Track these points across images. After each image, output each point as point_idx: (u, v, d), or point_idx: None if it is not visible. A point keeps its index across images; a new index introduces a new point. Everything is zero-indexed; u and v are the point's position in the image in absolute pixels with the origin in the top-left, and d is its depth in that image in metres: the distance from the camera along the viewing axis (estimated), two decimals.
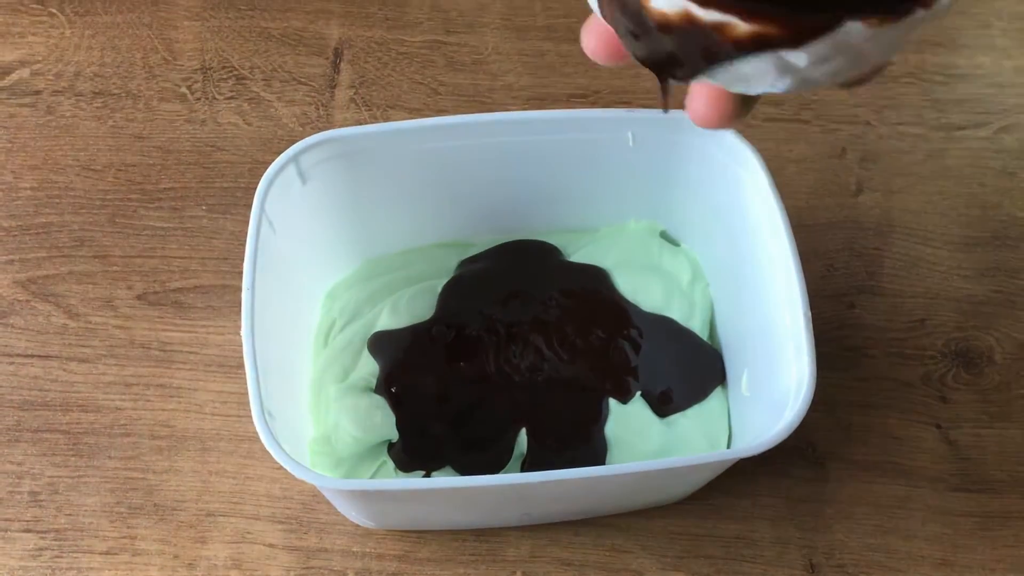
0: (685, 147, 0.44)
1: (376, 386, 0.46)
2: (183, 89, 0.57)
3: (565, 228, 0.50)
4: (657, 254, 0.49)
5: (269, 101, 0.57)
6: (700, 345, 0.47)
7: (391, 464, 0.45)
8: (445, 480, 0.42)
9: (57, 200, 0.53)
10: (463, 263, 0.50)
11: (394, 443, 0.46)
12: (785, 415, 0.37)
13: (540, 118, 0.44)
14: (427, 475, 0.45)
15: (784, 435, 0.36)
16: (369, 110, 0.57)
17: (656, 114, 0.44)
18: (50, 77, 0.57)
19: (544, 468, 0.41)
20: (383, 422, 0.45)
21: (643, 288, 0.48)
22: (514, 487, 0.37)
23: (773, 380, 0.41)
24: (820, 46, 0.20)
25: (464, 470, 0.45)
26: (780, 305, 0.40)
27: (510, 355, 0.47)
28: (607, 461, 0.46)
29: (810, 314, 0.38)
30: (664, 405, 0.46)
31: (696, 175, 0.45)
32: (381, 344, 0.47)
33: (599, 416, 0.46)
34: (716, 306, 0.48)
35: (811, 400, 0.37)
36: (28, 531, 0.45)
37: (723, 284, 0.47)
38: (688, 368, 0.47)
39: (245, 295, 0.38)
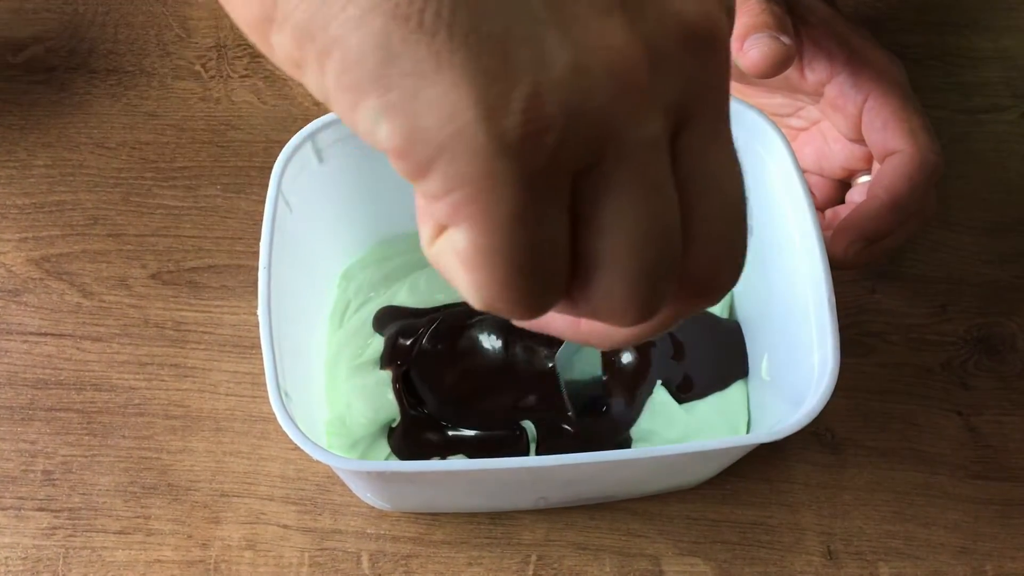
0: None
1: (381, 362, 0.46)
2: (197, 67, 0.57)
3: None
4: None
5: (284, 80, 0.56)
6: (723, 333, 0.47)
7: None
8: (462, 462, 0.41)
9: (71, 178, 0.53)
10: None
11: (394, 427, 0.45)
12: (808, 401, 0.36)
13: None
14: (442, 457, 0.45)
15: (807, 421, 0.36)
16: None
17: None
18: (63, 54, 0.57)
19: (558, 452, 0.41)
20: (394, 400, 0.45)
21: None
22: (532, 470, 0.36)
23: (794, 365, 0.40)
24: None
25: (473, 454, 0.45)
26: (803, 289, 0.39)
27: (525, 340, 0.47)
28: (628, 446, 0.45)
29: (835, 299, 0.38)
30: (684, 392, 0.46)
31: None
32: (386, 320, 0.47)
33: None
34: (736, 290, 0.48)
35: (835, 386, 0.36)
36: (42, 510, 0.45)
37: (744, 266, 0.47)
38: (710, 356, 0.46)
39: (261, 274, 0.38)
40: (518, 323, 0.21)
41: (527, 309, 0.20)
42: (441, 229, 0.19)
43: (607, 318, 0.21)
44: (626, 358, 0.46)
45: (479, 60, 0.17)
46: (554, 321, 0.24)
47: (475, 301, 0.20)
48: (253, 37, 0.20)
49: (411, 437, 0.45)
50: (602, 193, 0.19)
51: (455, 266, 0.19)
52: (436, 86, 0.17)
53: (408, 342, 0.46)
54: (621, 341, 0.23)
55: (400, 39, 0.17)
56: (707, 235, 0.21)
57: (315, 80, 0.19)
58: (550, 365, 0.46)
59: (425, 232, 0.20)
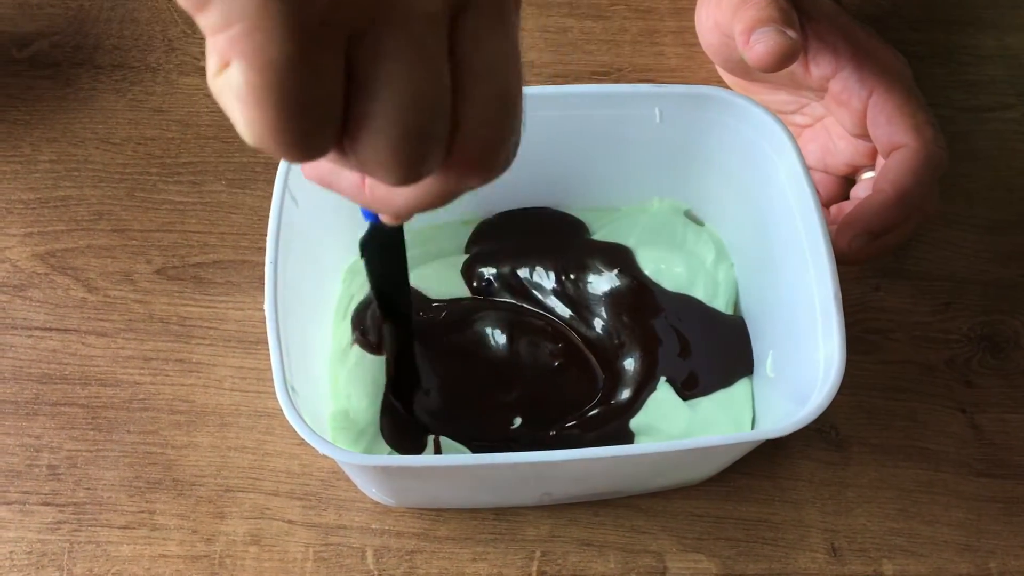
0: (713, 125, 0.44)
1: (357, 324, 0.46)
2: (202, 63, 0.56)
3: (588, 206, 0.50)
4: (681, 233, 0.49)
5: None
6: (728, 329, 0.47)
7: None
8: (467, 457, 0.41)
9: (76, 173, 0.53)
10: (486, 225, 0.49)
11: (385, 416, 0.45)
12: (813, 397, 0.36)
13: (566, 93, 0.43)
14: (437, 451, 0.45)
15: (811, 418, 0.36)
16: None
17: (685, 90, 0.44)
18: (69, 49, 0.57)
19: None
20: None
21: (667, 267, 0.48)
22: (537, 465, 0.36)
23: (799, 362, 0.40)
24: None
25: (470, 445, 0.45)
26: (808, 286, 0.39)
27: (529, 335, 0.47)
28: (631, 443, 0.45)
29: (841, 296, 0.38)
30: (689, 389, 0.46)
31: (723, 154, 0.45)
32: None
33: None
34: (740, 287, 0.48)
35: (840, 383, 0.36)
36: (47, 504, 0.45)
37: (748, 265, 0.47)
38: (715, 352, 0.46)
39: (268, 269, 0.38)
40: (303, 172, 0.24)
41: (295, 150, 0.21)
42: (224, 65, 0.20)
43: (374, 171, 0.23)
44: (630, 360, 0.46)
45: None
46: (342, 179, 0.26)
47: (247, 137, 0.21)
48: None
49: (396, 423, 0.45)
50: (374, 56, 0.21)
51: (231, 101, 0.20)
52: None
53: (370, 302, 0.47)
54: (402, 206, 0.25)
55: None
56: (475, 116, 0.23)
57: None
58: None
59: (210, 66, 0.21)
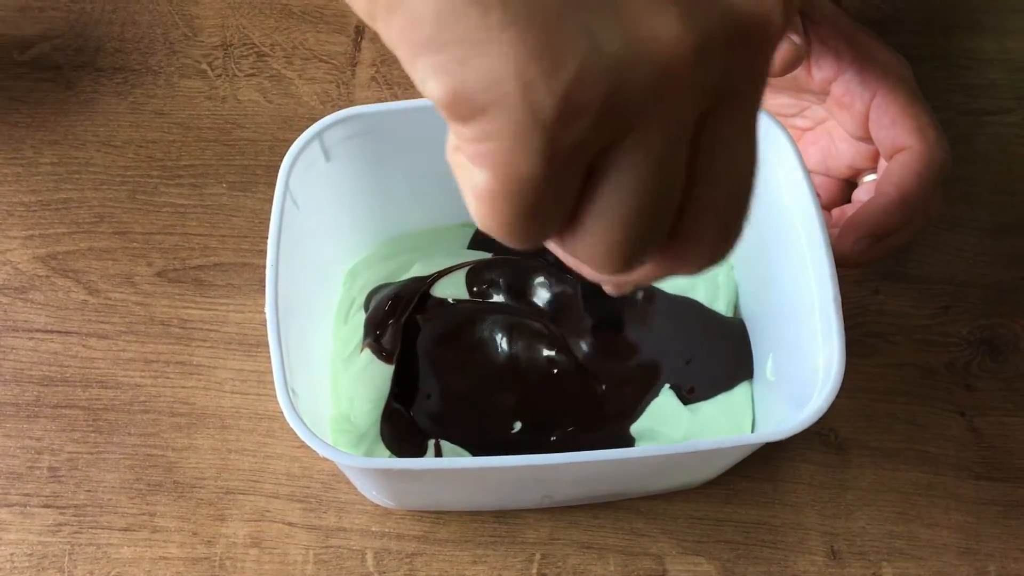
0: None
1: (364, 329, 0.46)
2: (203, 66, 0.57)
3: None
4: None
5: (290, 79, 0.56)
6: (728, 333, 0.47)
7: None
8: (467, 460, 0.41)
9: (77, 176, 0.53)
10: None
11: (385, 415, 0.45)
12: (813, 400, 0.36)
13: None
14: (438, 454, 0.45)
15: (811, 421, 0.36)
16: (390, 89, 0.56)
17: None
18: (70, 52, 0.57)
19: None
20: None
21: None
22: (537, 468, 0.36)
23: (799, 365, 0.40)
24: None
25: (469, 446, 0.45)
26: (808, 289, 0.39)
27: (529, 340, 0.47)
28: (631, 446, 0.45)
29: (840, 299, 0.38)
30: (689, 393, 0.46)
31: None
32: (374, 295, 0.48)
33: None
34: (740, 290, 0.48)
35: (840, 386, 0.36)
36: (47, 506, 0.45)
37: (748, 267, 0.47)
38: (716, 356, 0.46)
39: (269, 272, 0.38)
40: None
41: (519, 244, 0.22)
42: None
43: (585, 263, 0.23)
44: (631, 365, 0.46)
45: (527, 38, 0.19)
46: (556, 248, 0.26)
47: (476, 222, 0.21)
48: None
49: (396, 425, 0.45)
50: (612, 168, 0.21)
51: (467, 189, 0.21)
52: (484, 56, 0.19)
53: (391, 309, 0.47)
54: (606, 283, 0.26)
55: (456, 9, 0.19)
56: (702, 218, 0.22)
57: (383, 31, 0.20)
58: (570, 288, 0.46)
59: (450, 143, 0.21)
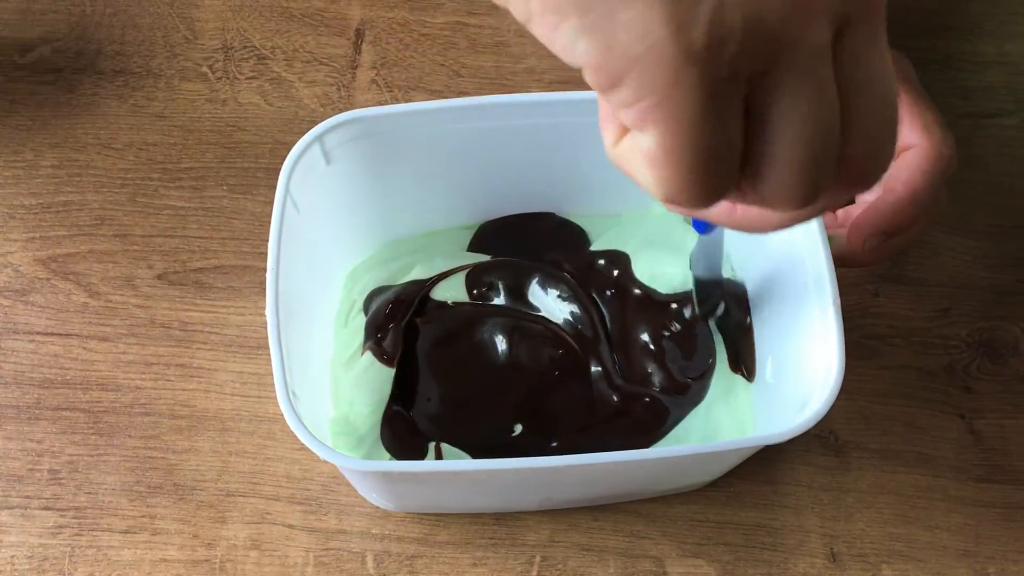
0: None
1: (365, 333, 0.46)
2: (204, 68, 0.57)
3: (588, 213, 0.50)
4: (680, 238, 0.49)
5: (290, 82, 0.56)
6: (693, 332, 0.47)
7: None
8: (467, 463, 0.41)
9: (78, 178, 0.53)
10: (488, 228, 0.50)
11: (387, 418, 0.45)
12: (813, 403, 0.36)
13: (565, 99, 0.43)
14: (438, 457, 0.45)
15: (812, 423, 0.36)
16: (390, 91, 0.56)
17: None
18: (71, 55, 0.57)
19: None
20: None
21: (665, 270, 0.48)
22: (537, 470, 0.37)
23: (798, 368, 0.40)
24: None
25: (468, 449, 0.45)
26: (808, 292, 0.39)
27: (530, 343, 0.47)
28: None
29: (839, 302, 0.38)
30: (684, 392, 0.46)
31: None
32: (373, 297, 0.48)
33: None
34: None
35: (840, 388, 0.36)
36: (48, 509, 0.45)
37: (749, 269, 0.47)
38: (686, 350, 0.46)
39: (269, 275, 0.38)
40: (686, 211, 0.24)
41: (704, 200, 0.22)
42: (624, 132, 0.22)
43: (773, 205, 0.23)
44: (639, 413, 0.46)
45: None
46: (713, 209, 0.26)
47: (658, 194, 0.22)
48: None
49: (397, 428, 0.45)
50: (774, 96, 0.21)
51: (640, 164, 0.22)
52: (631, 8, 0.20)
53: (392, 312, 0.47)
54: (775, 225, 0.26)
55: None
56: (863, 131, 0.23)
57: (521, 4, 0.21)
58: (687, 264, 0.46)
59: (608, 136, 0.22)
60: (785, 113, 0.21)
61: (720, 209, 0.26)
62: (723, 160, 0.21)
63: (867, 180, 0.24)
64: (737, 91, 0.21)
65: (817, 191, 0.23)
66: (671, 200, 0.22)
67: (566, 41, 0.21)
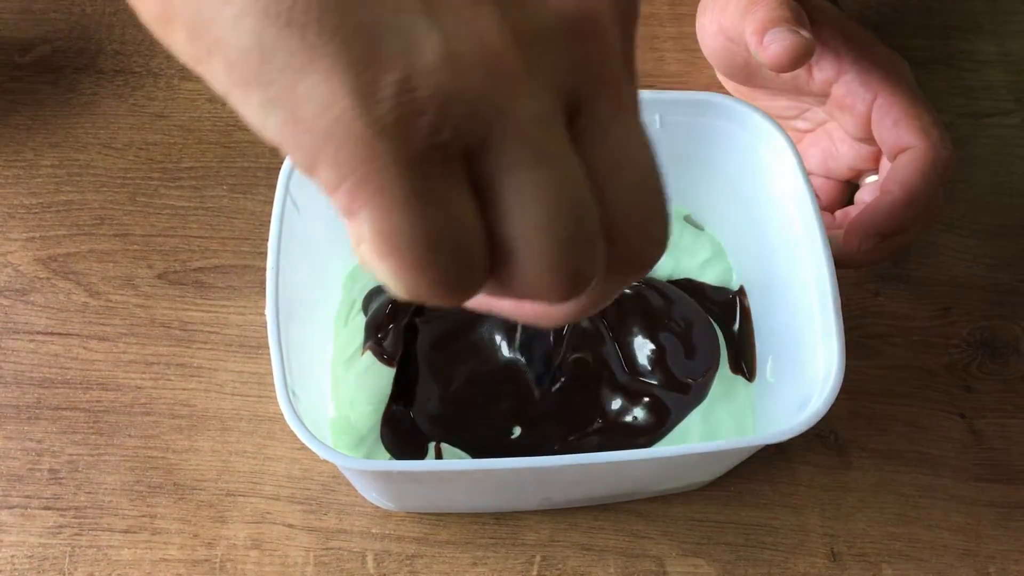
0: (713, 130, 0.44)
1: (365, 332, 0.46)
2: None
3: None
4: (677, 236, 0.49)
5: None
6: (692, 325, 0.47)
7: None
8: (468, 462, 0.41)
9: (78, 178, 0.53)
10: None
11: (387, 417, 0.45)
12: (813, 402, 0.36)
13: None
14: (438, 456, 0.45)
15: (812, 422, 0.36)
16: None
17: (685, 96, 0.44)
18: (71, 54, 0.57)
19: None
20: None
21: (662, 269, 0.48)
22: (537, 470, 0.37)
23: (799, 367, 0.40)
24: None
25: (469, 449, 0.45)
26: (808, 291, 0.39)
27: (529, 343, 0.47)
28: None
29: (840, 301, 0.38)
30: (686, 392, 0.46)
31: (723, 159, 0.45)
32: (374, 296, 0.48)
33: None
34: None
35: (840, 387, 0.36)
36: (48, 508, 0.45)
37: (748, 269, 0.47)
38: (687, 344, 0.46)
39: (269, 274, 0.38)
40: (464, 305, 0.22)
41: (449, 293, 0.20)
42: (358, 228, 0.20)
43: (537, 297, 0.21)
44: (640, 413, 0.46)
45: (349, 50, 0.18)
46: (499, 302, 0.25)
47: (398, 290, 0.20)
48: (158, 34, 0.20)
49: (397, 428, 0.45)
50: (497, 172, 0.20)
51: (372, 258, 0.20)
52: (310, 78, 0.18)
53: (392, 312, 0.47)
54: (563, 318, 0.24)
55: (273, 36, 0.18)
56: (624, 207, 0.21)
57: (211, 76, 0.20)
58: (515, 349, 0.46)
59: (352, 238, 0.20)
60: (514, 190, 0.20)
61: (507, 304, 0.25)
62: (456, 245, 0.20)
63: (644, 260, 0.22)
64: (452, 167, 0.19)
65: (581, 279, 0.21)
66: (415, 295, 0.20)
67: (256, 119, 0.19)
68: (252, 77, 0.19)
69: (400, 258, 0.19)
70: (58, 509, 0.45)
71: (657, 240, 0.22)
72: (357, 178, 0.19)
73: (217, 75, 0.19)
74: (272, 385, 0.36)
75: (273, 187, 0.40)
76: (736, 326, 0.47)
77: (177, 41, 0.20)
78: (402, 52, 0.18)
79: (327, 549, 0.45)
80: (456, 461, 0.43)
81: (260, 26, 0.18)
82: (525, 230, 0.20)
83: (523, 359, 0.46)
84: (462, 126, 0.19)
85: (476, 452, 0.45)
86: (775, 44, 0.43)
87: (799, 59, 0.43)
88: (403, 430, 0.45)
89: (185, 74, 0.57)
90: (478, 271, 0.20)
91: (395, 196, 0.19)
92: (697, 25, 0.53)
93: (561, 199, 0.20)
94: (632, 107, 0.22)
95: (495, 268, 0.21)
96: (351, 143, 0.18)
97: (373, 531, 0.45)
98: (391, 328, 0.46)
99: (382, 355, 0.45)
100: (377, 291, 0.48)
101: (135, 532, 0.45)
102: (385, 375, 0.45)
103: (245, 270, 0.51)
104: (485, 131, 0.19)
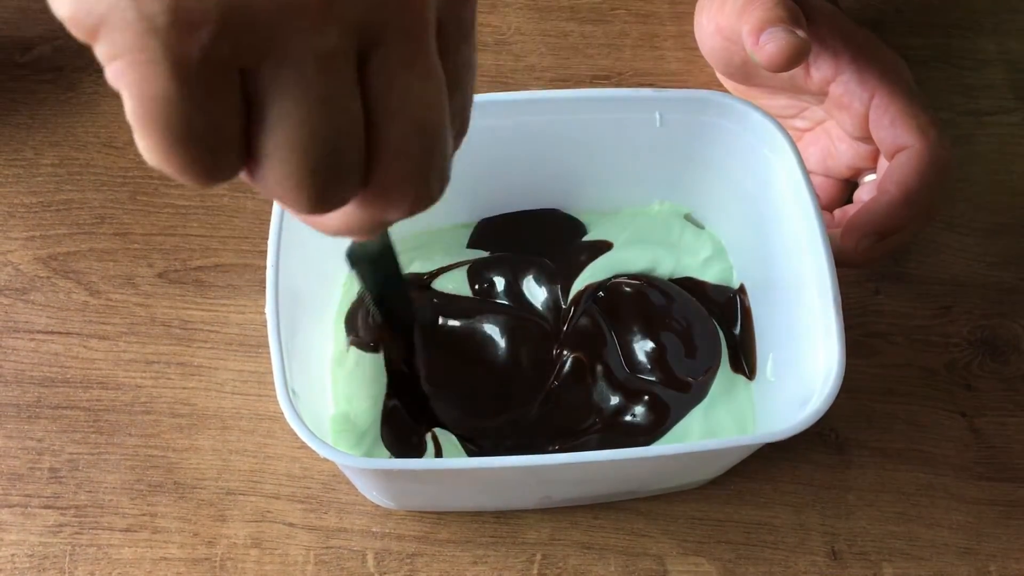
0: (713, 129, 0.44)
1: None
2: None
3: (588, 209, 0.50)
4: (678, 234, 0.49)
5: None
6: (693, 322, 0.47)
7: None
8: (467, 460, 0.41)
9: (78, 177, 0.53)
10: (487, 224, 0.50)
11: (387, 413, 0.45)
12: (814, 401, 0.36)
13: (566, 97, 0.43)
14: (438, 454, 0.45)
15: (812, 421, 0.36)
16: None
17: (685, 94, 0.44)
18: (71, 53, 0.57)
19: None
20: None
21: (650, 267, 0.48)
22: (538, 468, 0.37)
23: (799, 365, 0.40)
24: None
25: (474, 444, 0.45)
26: (809, 290, 0.39)
27: (530, 342, 0.47)
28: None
29: (840, 299, 0.38)
30: (686, 391, 0.46)
31: (723, 157, 0.45)
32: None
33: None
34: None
35: (840, 386, 0.36)
36: (48, 507, 0.45)
37: (749, 267, 0.47)
38: (688, 343, 0.46)
39: (269, 273, 0.38)
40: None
41: (195, 178, 0.22)
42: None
43: (281, 200, 0.23)
44: (640, 412, 0.46)
45: None
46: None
47: (146, 158, 0.22)
48: None
49: (397, 427, 0.45)
50: (266, 93, 0.21)
51: (131, 123, 0.21)
52: None
53: (360, 298, 0.47)
54: (331, 228, 0.26)
55: None
56: (391, 151, 0.23)
57: None
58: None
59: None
60: (278, 112, 0.21)
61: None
62: (205, 139, 0.21)
63: (403, 204, 0.24)
64: (222, 76, 0.20)
65: (323, 200, 0.23)
66: (159, 167, 0.22)
67: None
68: None
69: (151, 140, 0.21)
70: (58, 508, 0.45)
71: (420, 189, 0.24)
72: (124, 62, 0.20)
73: None
74: (272, 384, 0.36)
75: None
76: (737, 325, 0.47)
77: None
78: None
79: (327, 548, 0.45)
80: (456, 460, 0.43)
81: None
82: (275, 144, 0.22)
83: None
84: (245, 47, 0.20)
85: (476, 449, 0.45)
86: (771, 44, 0.43)
87: (795, 59, 0.43)
88: (402, 428, 0.45)
89: None
90: (229, 165, 0.22)
91: (156, 91, 0.20)
92: (695, 24, 0.53)
93: (316, 131, 0.21)
94: (426, 57, 0.23)
95: (250, 167, 0.22)
96: (125, 36, 0.19)
97: (373, 530, 0.45)
98: (359, 316, 0.46)
99: (365, 344, 0.45)
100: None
101: (135, 531, 0.45)
102: (377, 366, 0.45)
103: (245, 269, 0.51)
104: (264, 56, 0.20)
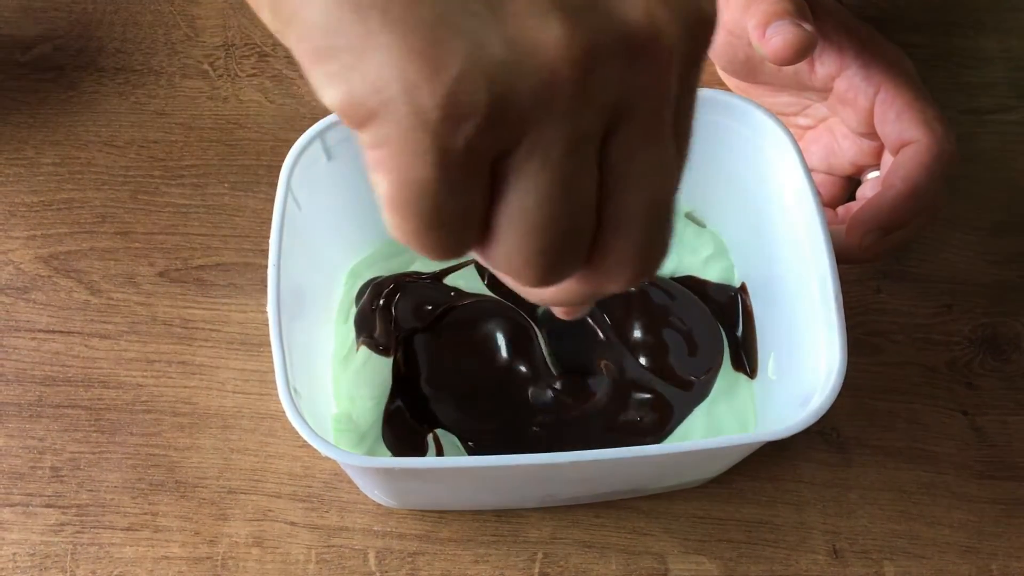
0: (714, 127, 0.44)
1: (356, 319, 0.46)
2: (205, 66, 0.57)
3: None
4: (679, 233, 0.49)
5: (292, 79, 0.56)
6: (702, 316, 0.47)
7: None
8: (469, 459, 0.41)
9: (79, 176, 0.53)
10: None
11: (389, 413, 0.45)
12: (815, 399, 0.36)
13: None
14: (439, 453, 0.45)
15: (813, 419, 0.36)
16: None
17: None
18: (72, 53, 0.57)
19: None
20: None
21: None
22: (539, 467, 0.37)
23: (801, 364, 0.40)
24: None
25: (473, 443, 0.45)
26: (810, 288, 0.39)
27: (527, 340, 0.47)
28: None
29: (842, 298, 0.38)
30: (688, 389, 0.46)
31: (725, 156, 0.45)
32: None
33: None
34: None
35: (842, 385, 0.36)
36: (50, 506, 0.45)
37: (750, 266, 0.47)
38: (690, 341, 0.46)
39: (271, 271, 0.38)
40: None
41: (436, 256, 0.22)
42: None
43: (508, 275, 0.23)
44: (643, 410, 0.46)
45: (407, 42, 0.19)
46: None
47: (393, 236, 0.22)
48: (254, 7, 0.22)
49: (397, 425, 0.45)
50: (515, 175, 0.21)
51: (382, 205, 0.21)
52: (368, 62, 0.20)
53: (371, 299, 0.47)
54: (547, 300, 0.26)
55: (338, 17, 0.20)
56: (621, 229, 0.23)
57: (288, 44, 0.21)
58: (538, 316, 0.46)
59: (373, 182, 0.22)
60: (522, 193, 0.21)
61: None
62: (456, 225, 0.21)
63: (624, 280, 0.24)
64: (479, 165, 0.21)
65: (552, 277, 0.23)
66: (405, 243, 0.22)
67: (316, 85, 0.21)
68: (318, 51, 0.20)
69: (403, 223, 0.21)
70: (60, 507, 0.45)
71: (643, 267, 0.24)
72: (391, 153, 0.20)
73: (291, 45, 0.21)
74: (273, 382, 0.36)
75: (274, 185, 0.39)
76: (738, 323, 0.47)
77: (263, 14, 0.22)
78: (462, 53, 0.19)
79: (329, 547, 0.45)
80: (457, 458, 0.43)
81: (330, 7, 0.20)
82: (511, 226, 0.22)
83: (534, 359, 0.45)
84: (506, 135, 0.20)
85: (478, 447, 0.45)
86: (777, 37, 0.43)
87: (801, 52, 0.43)
88: (404, 427, 0.45)
89: (186, 72, 0.57)
90: (468, 242, 0.22)
91: (416, 180, 0.20)
92: None
93: (559, 214, 0.21)
94: (664, 133, 0.22)
95: (483, 241, 0.22)
96: (395, 129, 0.20)
97: (375, 528, 0.45)
98: (377, 319, 0.46)
99: (376, 347, 0.45)
100: (367, 285, 0.48)
101: (137, 530, 0.45)
102: (383, 367, 0.45)
103: (246, 268, 0.51)
104: (518, 142, 0.21)
